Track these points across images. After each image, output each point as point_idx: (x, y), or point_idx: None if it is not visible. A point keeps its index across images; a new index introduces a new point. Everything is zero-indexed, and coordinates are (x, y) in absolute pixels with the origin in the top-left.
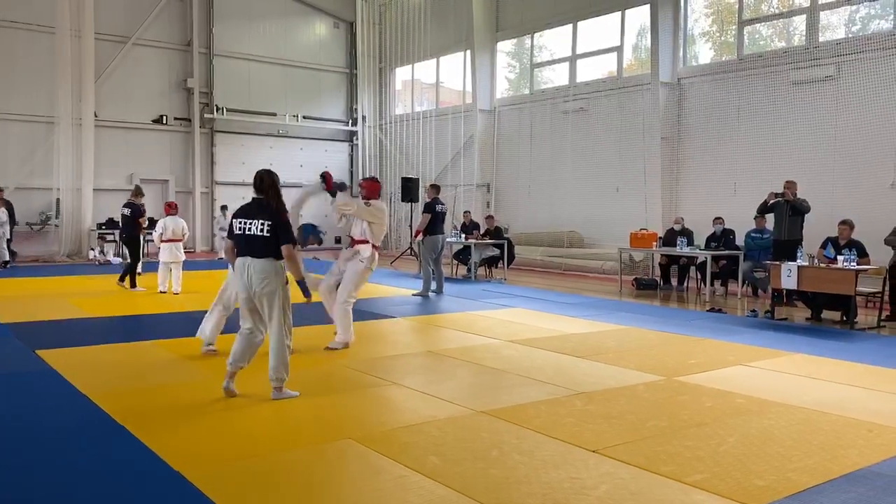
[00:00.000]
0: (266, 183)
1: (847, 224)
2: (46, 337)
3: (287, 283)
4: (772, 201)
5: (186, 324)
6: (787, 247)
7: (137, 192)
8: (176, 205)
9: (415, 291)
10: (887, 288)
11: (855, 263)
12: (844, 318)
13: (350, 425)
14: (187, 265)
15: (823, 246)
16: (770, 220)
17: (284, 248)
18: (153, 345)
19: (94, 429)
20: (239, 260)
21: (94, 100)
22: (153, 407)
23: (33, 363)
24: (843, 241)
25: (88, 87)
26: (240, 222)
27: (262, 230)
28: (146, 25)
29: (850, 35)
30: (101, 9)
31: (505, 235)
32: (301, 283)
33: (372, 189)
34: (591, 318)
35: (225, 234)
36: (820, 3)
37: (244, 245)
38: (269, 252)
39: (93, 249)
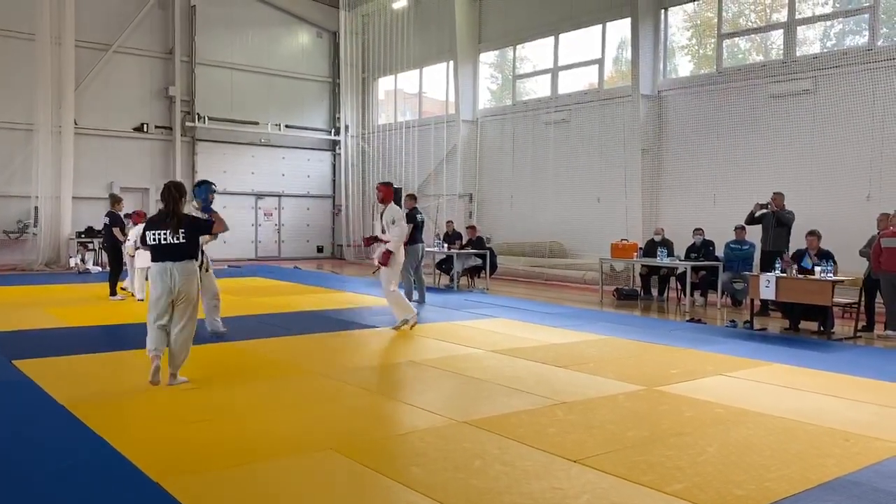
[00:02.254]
0: (173, 196)
1: (814, 234)
2: (24, 347)
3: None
4: (758, 213)
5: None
6: (772, 257)
7: (115, 200)
8: (145, 213)
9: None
10: (863, 298)
11: (832, 274)
12: (822, 329)
13: (331, 436)
14: None
15: (795, 258)
16: (750, 231)
17: (209, 236)
18: (132, 354)
19: (71, 439)
20: (159, 265)
21: (74, 107)
22: (132, 417)
23: (10, 374)
24: (813, 251)
25: (68, 94)
26: (153, 233)
27: (177, 238)
28: (128, 33)
29: (826, 50)
30: (81, 16)
31: (487, 245)
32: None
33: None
34: (573, 328)
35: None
36: (797, 17)
37: (161, 252)
38: (186, 255)
39: (72, 258)
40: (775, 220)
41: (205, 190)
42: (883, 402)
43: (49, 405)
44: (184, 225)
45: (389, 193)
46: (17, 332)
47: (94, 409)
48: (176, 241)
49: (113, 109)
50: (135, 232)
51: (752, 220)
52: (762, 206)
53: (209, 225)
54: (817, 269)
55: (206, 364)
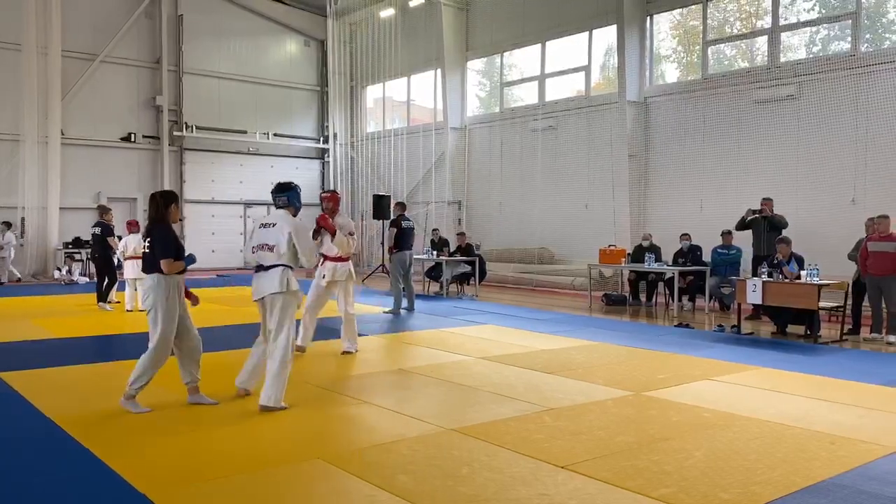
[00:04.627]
0: (156, 203)
1: (784, 242)
2: (9, 359)
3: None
4: (749, 217)
5: None
6: (764, 262)
7: (104, 210)
8: (137, 223)
9: (385, 309)
10: (849, 302)
11: (818, 279)
12: (808, 332)
13: (319, 445)
14: None
15: (772, 265)
16: (737, 236)
17: (162, 263)
18: (119, 365)
19: (57, 451)
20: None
21: (61, 117)
22: (118, 428)
23: None
24: (785, 259)
25: (55, 104)
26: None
27: (147, 247)
28: (114, 43)
29: (810, 56)
30: (68, 26)
31: (476, 252)
32: (189, 258)
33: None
34: (562, 334)
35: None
36: (781, 24)
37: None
38: (148, 266)
39: (59, 269)
40: (767, 224)
41: (297, 195)
42: (868, 405)
43: (36, 418)
44: (153, 235)
45: (338, 202)
46: (4, 345)
47: (81, 421)
48: (147, 252)
49: (100, 119)
50: (123, 243)
51: (743, 225)
52: (754, 212)
53: (169, 256)
54: (804, 273)
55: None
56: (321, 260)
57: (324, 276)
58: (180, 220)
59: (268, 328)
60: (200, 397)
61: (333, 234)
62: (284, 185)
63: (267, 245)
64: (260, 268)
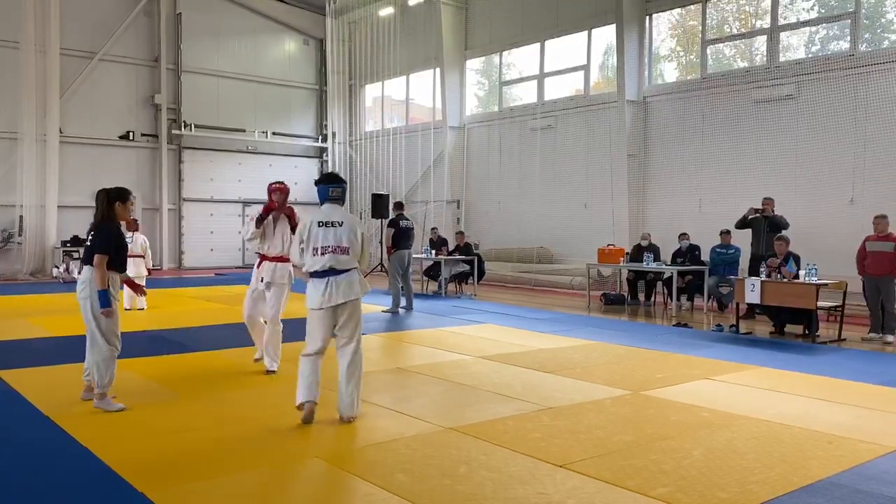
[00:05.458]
0: (100, 200)
1: (783, 240)
2: (8, 357)
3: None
4: (751, 216)
5: (150, 342)
6: (763, 262)
7: None
8: (136, 221)
9: (384, 308)
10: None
11: (816, 278)
12: (807, 332)
13: (317, 443)
14: (154, 283)
15: (771, 266)
16: (736, 235)
17: (95, 257)
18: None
19: (55, 450)
20: None
21: (60, 116)
22: (116, 427)
23: None
24: (782, 256)
25: (53, 102)
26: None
27: (89, 241)
28: (113, 41)
29: (809, 55)
30: (66, 24)
31: (475, 251)
32: (100, 293)
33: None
34: (560, 334)
35: None
36: (780, 23)
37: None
38: (87, 261)
39: (57, 267)
40: (767, 224)
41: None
42: (866, 404)
43: (33, 416)
44: (95, 231)
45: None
46: (2, 343)
47: (78, 420)
48: (88, 245)
49: (98, 117)
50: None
51: (743, 224)
52: (756, 211)
53: (103, 252)
54: (801, 272)
55: (190, 373)
56: (257, 261)
57: (262, 279)
58: (180, 217)
59: (334, 336)
60: (91, 394)
61: (294, 228)
62: (337, 176)
63: (340, 247)
64: (330, 272)
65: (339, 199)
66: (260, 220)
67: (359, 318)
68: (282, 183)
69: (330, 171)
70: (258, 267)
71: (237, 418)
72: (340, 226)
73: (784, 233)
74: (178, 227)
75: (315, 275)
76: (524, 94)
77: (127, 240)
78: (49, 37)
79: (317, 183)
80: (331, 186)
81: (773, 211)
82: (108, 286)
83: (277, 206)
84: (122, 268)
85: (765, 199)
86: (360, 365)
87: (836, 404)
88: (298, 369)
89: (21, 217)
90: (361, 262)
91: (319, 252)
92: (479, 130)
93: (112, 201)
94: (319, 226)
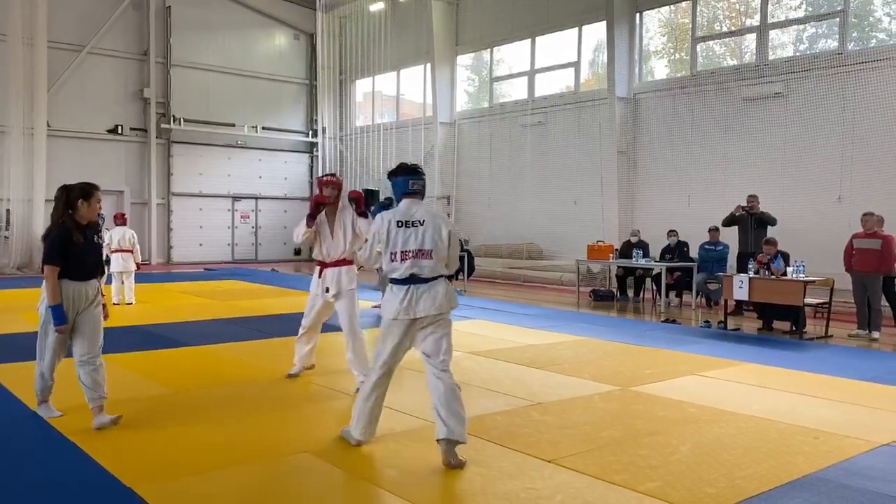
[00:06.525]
0: (58, 199)
1: (771, 243)
2: None
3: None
4: (738, 213)
5: (138, 337)
6: (750, 258)
7: None
8: (124, 215)
9: (374, 304)
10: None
11: (804, 275)
12: (794, 329)
13: (307, 439)
14: (143, 277)
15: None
16: (724, 233)
17: (46, 269)
18: (104, 358)
19: (43, 446)
20: None
21: (47, 109)
22: None
23: None
24: (771, 258)
25: (41, 96)
26: None
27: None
28: (101, 34)
29: (797, 53)
30: (54, 16)
31: (465, 247)
32: (53, 310)
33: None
34: (549, 330)
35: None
36: (769, 21)
37: None
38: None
39: None
40: (754, 221)
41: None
42: (852, 400)
43: (21, 411)
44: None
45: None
46: None
47: (66, 415)
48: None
49: (87, 111)
50: (108, 236)
51: (731, 221)
52: (743, 209)
53: (51, 262)
54: (790, 269)
55: (180, 368)
56: (316, 269)
57: (327, 290)
58: (169, 212)
59: (419, 354)
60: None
61: (362, 216)
62: (416, 166)
63: (423, 251)
64: (411, 279)
65: (420, 194)
66: (311, 217)
67: (449, 341)
68: (333, 175)
69: (403, 162)
70: (319, 276)
71: (226, 413)
72: (422, 225)
73: (772, 235)
74: (168, 222)
75: (395, 281)
76: (514, 91)
77: (103, 237)
78: (37, 29)
79: (391, 175)
80: (411, 178)
81: (758, 208)
82: (61, 300)
83: (330, 201)
84: (82, 276)
85: (749, 196)
86: (458, 388)
87: (823, 400)
88: (358, 395)
89: (8, 211)
90: (449, 266)
91: (399, 258)
92: (469, 126)
93: (73, 200)
94: (398, 226)
